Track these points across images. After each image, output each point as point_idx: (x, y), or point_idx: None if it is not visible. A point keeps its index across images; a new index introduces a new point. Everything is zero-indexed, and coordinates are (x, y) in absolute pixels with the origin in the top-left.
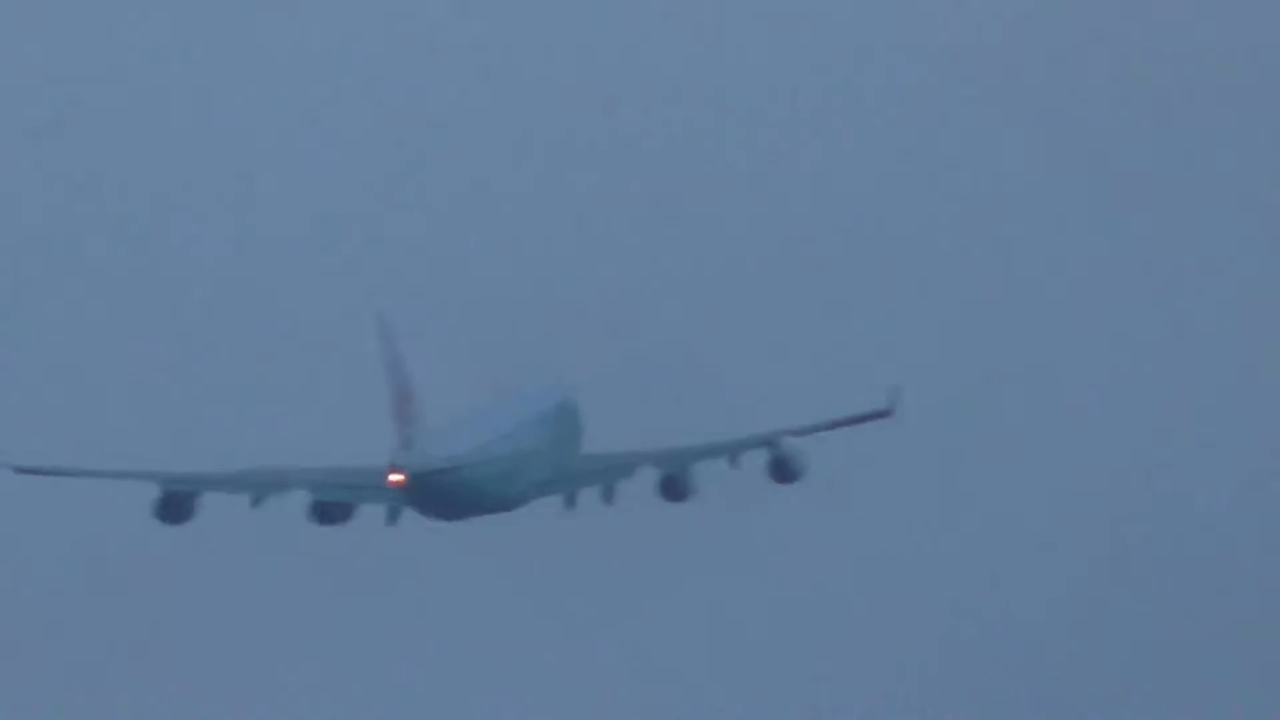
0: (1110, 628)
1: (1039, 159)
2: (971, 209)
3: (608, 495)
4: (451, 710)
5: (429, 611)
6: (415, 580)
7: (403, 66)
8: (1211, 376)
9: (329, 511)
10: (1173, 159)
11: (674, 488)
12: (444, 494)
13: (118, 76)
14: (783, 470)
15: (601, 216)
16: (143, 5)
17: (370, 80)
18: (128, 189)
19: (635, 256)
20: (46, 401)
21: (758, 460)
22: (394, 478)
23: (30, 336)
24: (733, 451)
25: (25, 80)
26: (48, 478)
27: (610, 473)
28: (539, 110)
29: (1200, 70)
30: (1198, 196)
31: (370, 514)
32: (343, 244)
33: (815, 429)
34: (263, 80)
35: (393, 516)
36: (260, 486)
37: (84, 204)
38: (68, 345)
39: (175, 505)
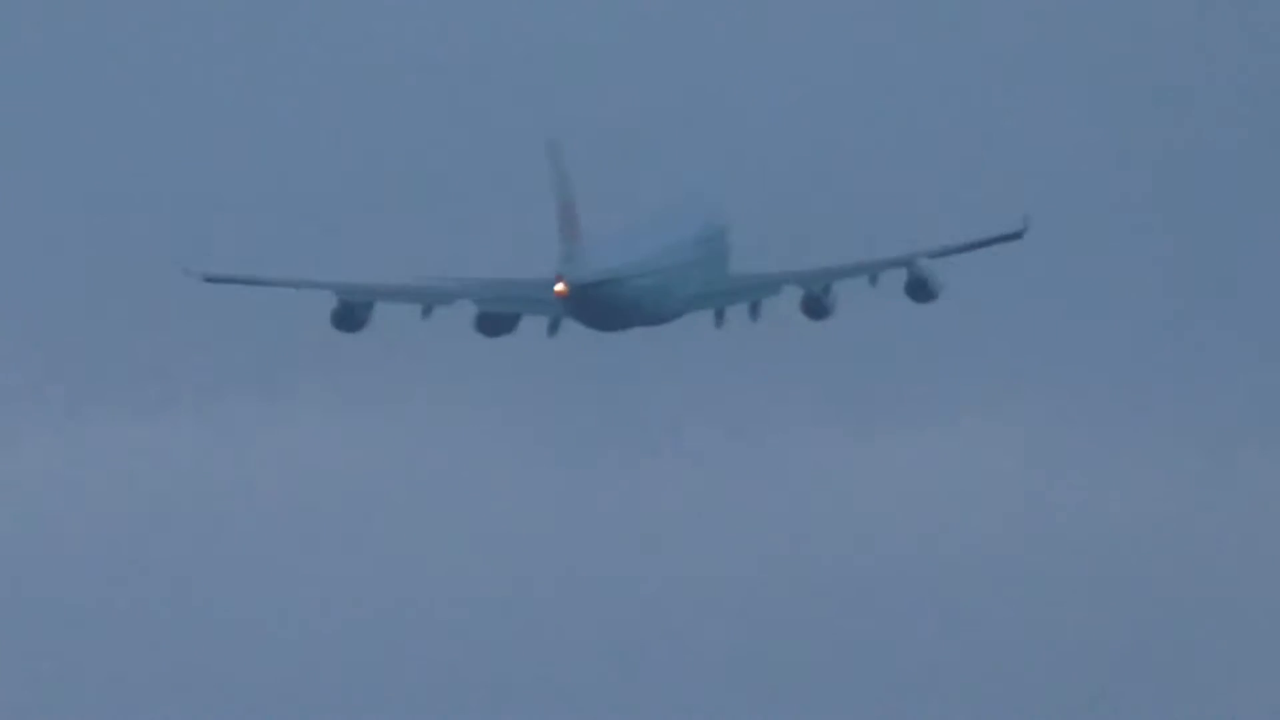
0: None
1: None
2: (1105, 35)
3: (754, 311)
4: (615, 512)
5: (588, 415)
6: (578, 386)
7: None
8: None
9: (494, 322)
10: None
11: (816, 306)
12: (604, 304)
13: None
14: (920, 290)
15: (751, 41)
16: None
17: None
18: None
19: (785, 86)
20: (233, 214)
21: (896, 280)
22: (558, 288)
23: (217, 152)
24: (872, 272)
25: None
26: (235, 286)
27: (757, 290)
28: None
29: None
30: None
31: (532, 325)
32: (515, 66)
33: (950, 251)
34: None
35: (554, 328)
36: (430, 297)
37: (263, 33)
38: (252, 160)
39: (351, 314)
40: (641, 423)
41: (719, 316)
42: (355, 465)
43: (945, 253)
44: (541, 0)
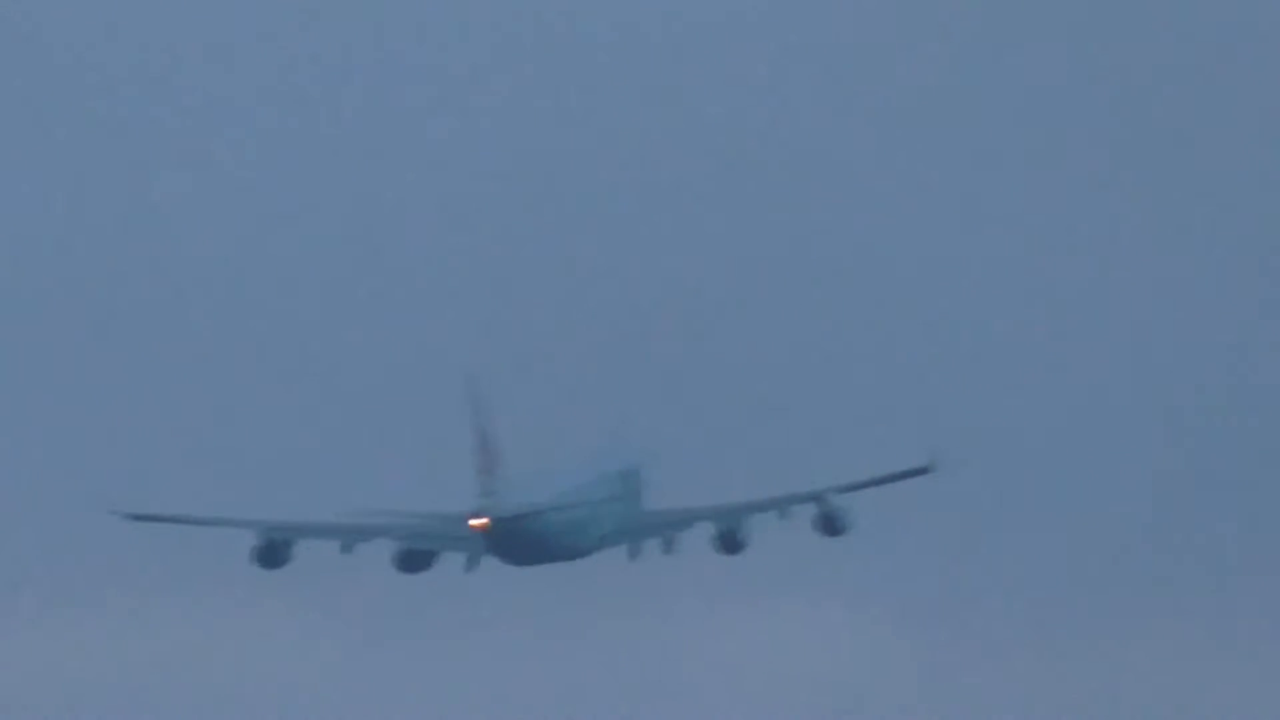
0: (1158, 680)
1: (1095, 217)
2: (1019, 269)
3: (668, 547)
4: None
5: (508, 651)
6: (496, 621)
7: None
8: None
9: (413, 559)
10: None
11: (729, 541)
12: (521, 540)
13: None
14: (830, 525)
15: (665, 290)
16: None
17: (474, 151)
18: (227, 242)
19: (700, 335)
20: (156, 453)
21: (806, 515)
22: (476, 522)
23: (146, 393)
24: (783, 507)
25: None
26: (158, 524)
27: (671, 526)
28: (611, 189)
29: None
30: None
31: (451, 560)
32: (437, 308)
33: (860, 486)
34: (361, 136)
35: (471, 563)
36: (350, 534)
37: (183, 263)
38: (177, 400)
39: (273, 551)
40: (557, 657)
41: (634, 551)
42: (274, 702)
43: (854, 487)
44: (457, 237)
